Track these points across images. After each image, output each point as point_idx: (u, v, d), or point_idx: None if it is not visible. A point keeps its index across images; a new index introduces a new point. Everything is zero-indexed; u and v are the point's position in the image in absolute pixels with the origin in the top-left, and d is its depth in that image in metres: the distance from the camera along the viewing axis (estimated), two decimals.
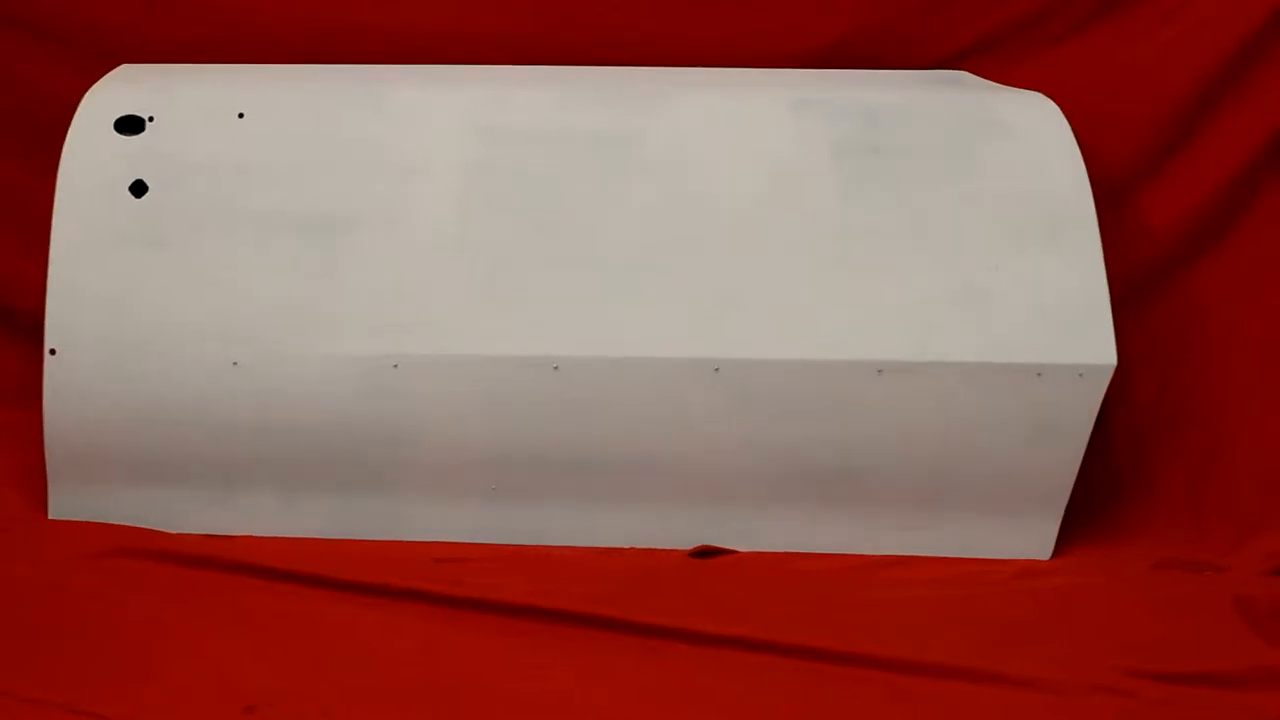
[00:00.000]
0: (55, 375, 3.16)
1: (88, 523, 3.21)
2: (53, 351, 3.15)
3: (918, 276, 3.17)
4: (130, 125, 3.24)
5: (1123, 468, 3.53)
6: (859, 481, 3.23)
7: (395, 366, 3.14)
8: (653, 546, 3.26)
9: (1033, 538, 3.29)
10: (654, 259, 3.18)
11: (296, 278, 3.17)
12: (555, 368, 3.13)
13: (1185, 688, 2.75)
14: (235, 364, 3.15)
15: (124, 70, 3.49)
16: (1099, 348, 3.14)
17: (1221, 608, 3.05)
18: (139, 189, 3.19)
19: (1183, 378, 3.56)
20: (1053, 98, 3.37)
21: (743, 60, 3.67)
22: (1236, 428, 3.52)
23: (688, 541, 3.25)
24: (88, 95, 3.29)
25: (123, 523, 3.20)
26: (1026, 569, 3.24)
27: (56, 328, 3.15)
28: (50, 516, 3.25)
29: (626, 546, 3.27)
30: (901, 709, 2.70)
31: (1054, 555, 3.30)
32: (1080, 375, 3.14)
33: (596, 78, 3.54)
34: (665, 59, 3.66)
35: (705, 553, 3.24)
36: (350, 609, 2.93)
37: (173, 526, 3.20)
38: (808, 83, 3.53)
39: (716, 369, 3.13)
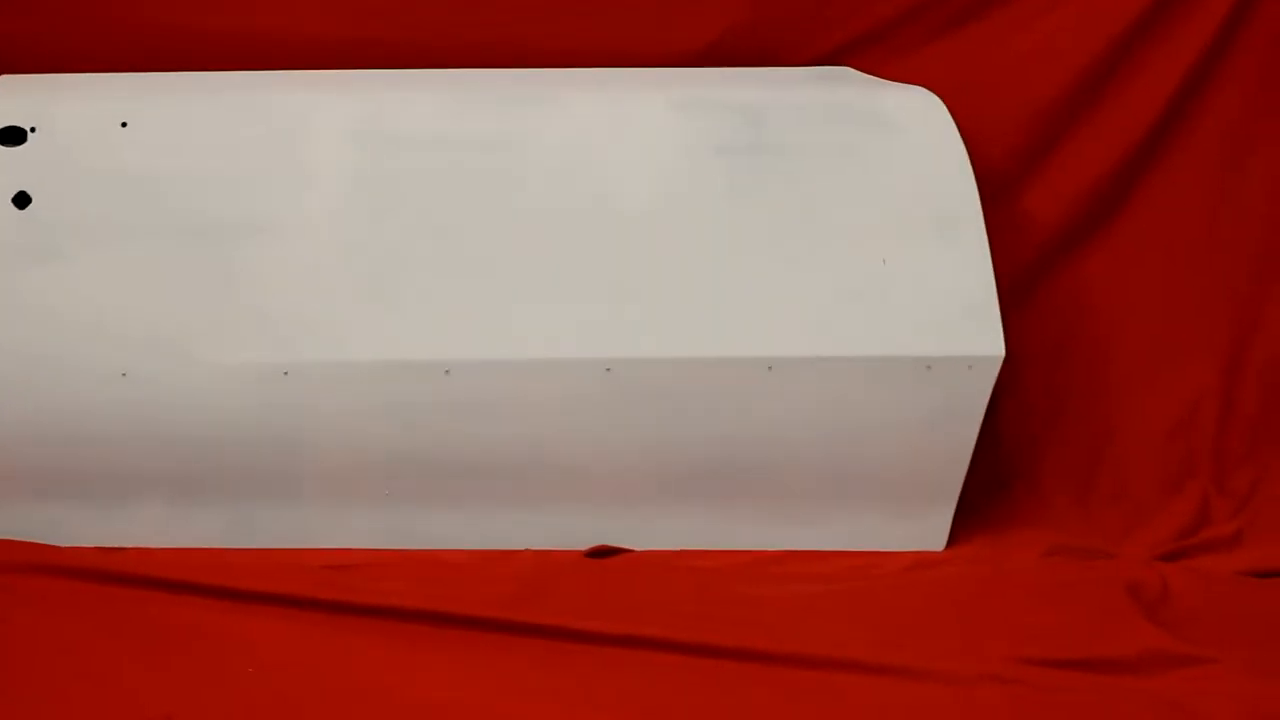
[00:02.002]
0: None
1: None
2: None
3: (806, 272, 3.18)
4: (11, 136, 3.21)
5: (1013, 458, 3.57)
6: (752, 478, 3.24)
7: (286, 374, 3.12)
8: (548, 548, 3.26)
9: (926, 529, 3.31)
10: (542, 261, 3.18)
11: (184, 287, 3.15)
12: (446, 371, 3.13)
13: (1076, 673, 2.77)
14: (124, 375, 3.13)
15: (4, 81, 3.46)
16: (987, 339, 3.16)
17: (1113, 594, 3.07)
18: (22, 200, 3.16)
19: (1070, 367, 3.61)
20: (936, 91, 3.40)
21: (622, 60, 3.67)
22: (1124, 416, 3.58)
23: (583, 542, 3.25)
24: None
25: (11, 537, 3.16)
26: (920, 560, 3.26)
27: None
28: None
29: (522, 548, 3.26)
30: (795, 703, 2.70)
31: (947, 546, 3.32)
32: (969, 367, 3.16)
33: (479, 80, 3.54)
34: (545, 60, 3.66)
35: (601, 553, 3.25)
36: (244, 618, 2.90)
37: (63, 540, 3.17)
38: (690, 81, 3.53)
39: (608, 369, 3.13)
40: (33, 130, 3.22)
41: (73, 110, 3.29)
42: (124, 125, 3.24)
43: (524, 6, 3.69)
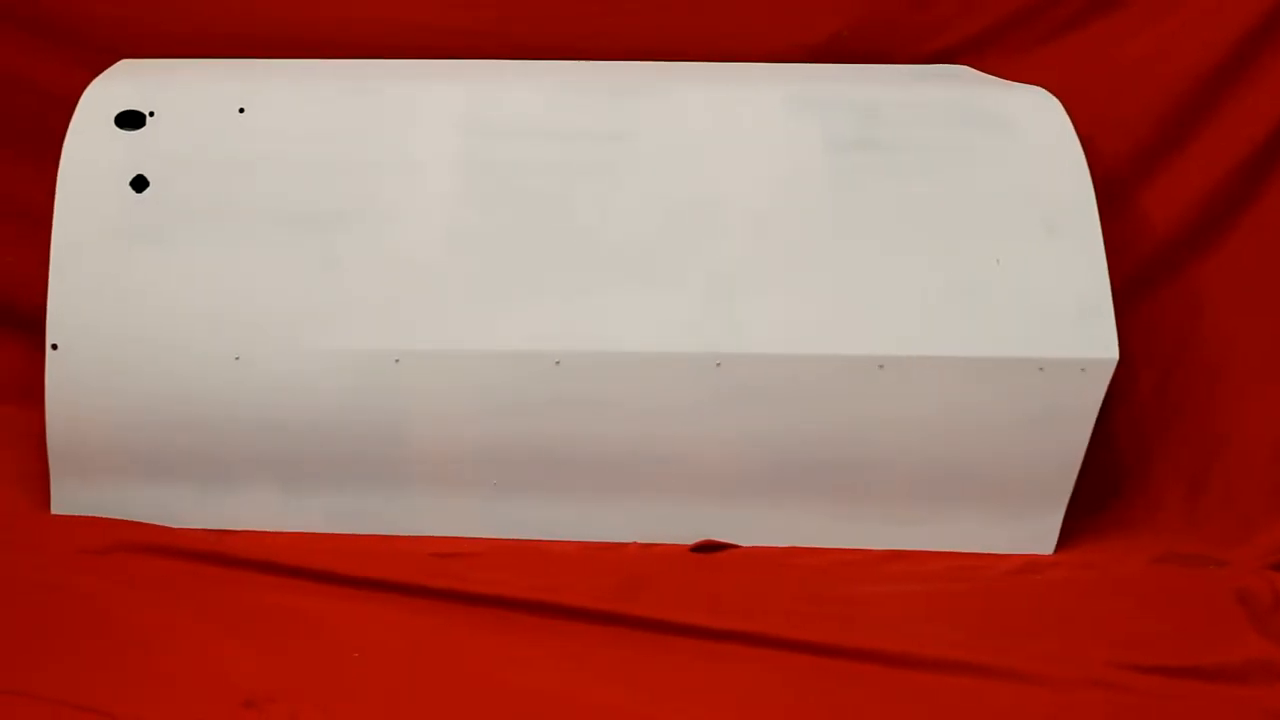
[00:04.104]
0: (57, 370, 3.16)
1: (89, 518, 3.20)
2: (54, 347, 3.15)
3: (918, 271, 3.17)
4: (131, 120, 3.24)
5: (1125, 462, 3.53)
6: (861, 476, 3.22)
7: (397, 361, 3.14)
8: (654, 541, 3.26)
9: (1035, 532, 3.29)
10: (654, 253, 3.18)
11: (298, 272, 3.17)
12: (556, 362, 3.13)
13: (1181, 681, 2.76)
14: (237, 359, 3.15)
15: (124, 65, 3.49)
16: (1101, 342, 3.14)
17: (1222, 602, 3.05)
18: (140, 184, 3.19)
19: (1184, 372, 3.55)
20: (1053, 92, 3.37)
21: (738, 54, 3.67)
22: (1238, 422, 3.51)
23: (690, 536, 3.25)
24: (88, 90, 3.29)
25: (124, 518, 3.20)
26: (1027, 563, 3.24)
27: (58, 323, 3.15)
28: (52, 512, 3.25)
29: (628, 541, 3.27)
30: (896, 703, 2.71)
31: (1056, 550, 3.29)
32: (1082, 370, 3.14)
33: (592, 72, 3.55)
34: (659, 53, 3.66)
35: (707, 547, 3.24)
36: (350, 604, 2.93)
37: (174, 521, 3.20)
38: (805, 77, 3.51)
39: (718, 364, 3.13)
40: (151, 115, 3.25)
41: (190, 95, 3.32)
42: (241, 111, 3.26)
43: (639, 2, 3.69)
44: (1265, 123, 3.52)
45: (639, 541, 3.26)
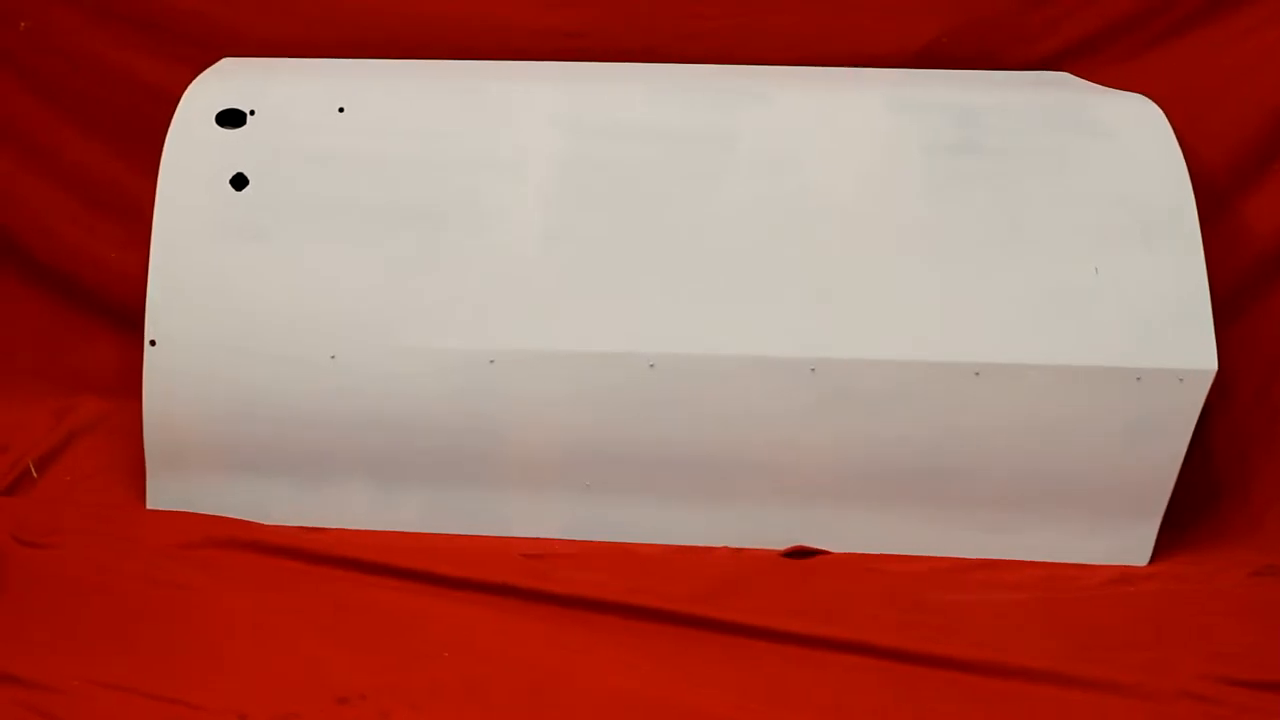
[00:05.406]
0: (155, 366, 3.19)
1: (184, 513, 3.23)
2: (153, 343, 3.18)
3: (1016, 278, 3.15)
4: (232, 118, 3.26)
5: (1223, 473, 3.49)
6: (955, 483, 3.21)
7: (491, 361, 3.15)
8: (745, 546, 3.25)
9: (1130, 543, 3.26)
10: (750, 257, 3.18)
11: (394, 272, 3.19)
12: (651, 365, 3.13)
13: (1276, 695, 2.73)
14: (333, 357, 3.17)
15: (226, 64, 3.52)
16: (1199, 352, 3.11)
17: None
18: (240, 182, 3.21)
19: None
20: (1156, 99, 3.34)
21: (837, 59, 3.65)
22: None
23: (780, 541, 3.25)
24: (190, 88, 3.32)
25: (219, 513, 3.22)
26: (1122, 574, 3.21)
27: (157, 319, 3.18)
28: (148, 506, 3.28)
29: (719, 545, 3.26)
30: (986, 711, 2.70)
31: (1151, 561, 3.26)
32: (1180, 380, 3.11)
33: (691, 75, 3.54)
34: (760, 58, 3.65)
35: (798, 553, 3.23)
36: (441, 603, 2.94)
37: (268, 518, 3.23)
38: (905, 82, 3.50)
39: (812, 369, 3.12)
40: (252, 113, 3.27)
41: (291, 94, 3.35)
42: (341, 110, 3.28)
43: (739, 4, 3.68)
44: None
45: (730, 545, 3.25)
